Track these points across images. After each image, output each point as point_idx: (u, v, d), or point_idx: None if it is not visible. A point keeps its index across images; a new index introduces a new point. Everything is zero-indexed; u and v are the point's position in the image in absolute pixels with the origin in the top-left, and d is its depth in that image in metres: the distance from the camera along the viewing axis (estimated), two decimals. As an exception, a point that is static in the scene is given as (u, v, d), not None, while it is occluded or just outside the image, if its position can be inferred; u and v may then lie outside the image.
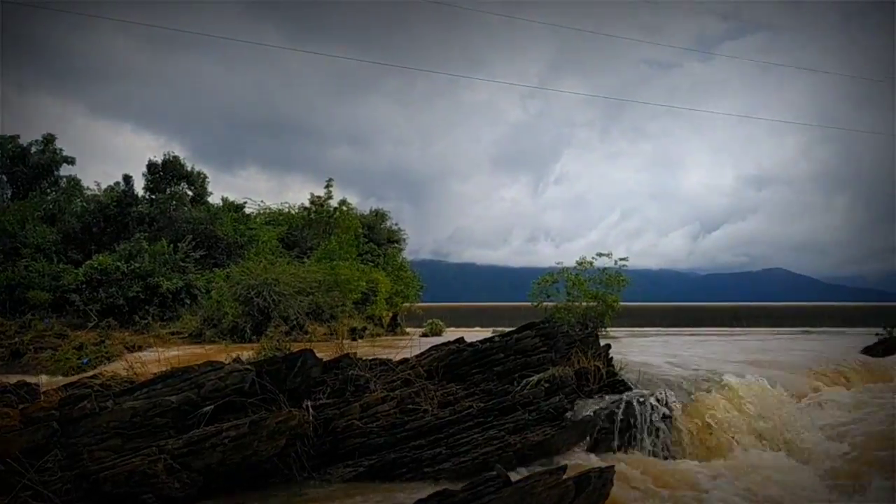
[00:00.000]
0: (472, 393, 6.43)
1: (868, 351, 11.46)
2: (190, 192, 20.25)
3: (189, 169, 20.21)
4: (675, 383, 7.40)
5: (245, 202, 21.16)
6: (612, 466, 4.88)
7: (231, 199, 21.07)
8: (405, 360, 6.61)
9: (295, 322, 13.00)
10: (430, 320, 17.98)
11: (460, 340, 7.10)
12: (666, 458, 6.48)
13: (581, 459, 6.06)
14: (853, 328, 19.27)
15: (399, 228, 24.13)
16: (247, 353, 7.17)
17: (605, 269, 16.48)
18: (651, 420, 6.71)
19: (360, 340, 12.46)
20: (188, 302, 15.18)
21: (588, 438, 6.47)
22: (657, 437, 6.66)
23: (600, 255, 16.69)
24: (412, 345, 7.91)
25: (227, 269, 15.26)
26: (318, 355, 6.32)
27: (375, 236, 21.94)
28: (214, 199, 20.87)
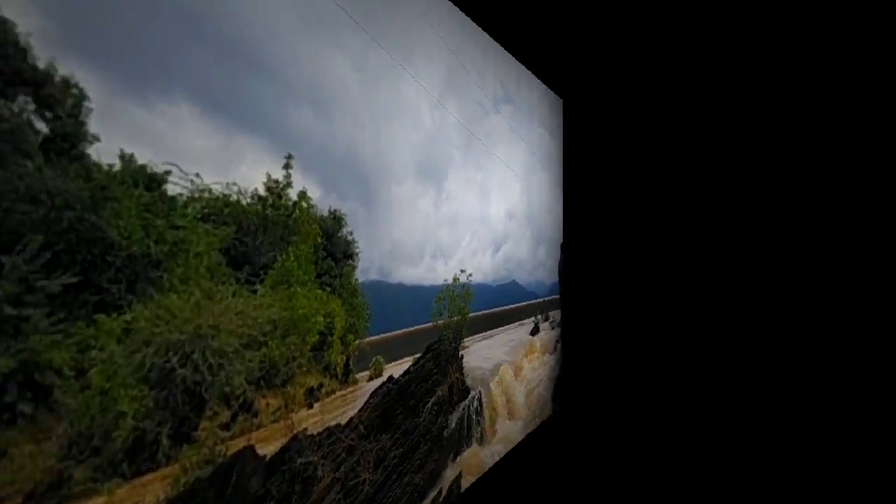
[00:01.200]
0: (397, 439, 5.50)
1: (532, 333, 15.18)
2: (45, 127, 4.55)
3: (43, 68, 4.29)
4: (481, 379, 8.04)
5: (169, 171, 7.06)
6: (460, 472, 5.41)
7: (142, 160, 6.22)
8: (350, 422, 4.92)
9: (241, 401, 6.27)
10: (375, 358, 11.90)
11: (390, 379, 5.67)
12: (478, 447, 7.26)
13: (448, 473, 6.20)
14: (529, 318, 23.68)
15: (353, 239, 13.23)
16: (157, 488, 3.63)
17: (464, 284, 15.15)
18: (476, 416, 7.25)
19: (316, 406, 7.26)
20: (28, 410, 4.16)
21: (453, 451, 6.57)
22: (477, 430, 7.30)
23: (462, 271, 15.18)
24: (359, 394, 5.67)
25: (129, 315, 4.93)
26: (261, 451, 4.11)
27: (332, 249, 11.63)
28: (106, 153, 5.99)
